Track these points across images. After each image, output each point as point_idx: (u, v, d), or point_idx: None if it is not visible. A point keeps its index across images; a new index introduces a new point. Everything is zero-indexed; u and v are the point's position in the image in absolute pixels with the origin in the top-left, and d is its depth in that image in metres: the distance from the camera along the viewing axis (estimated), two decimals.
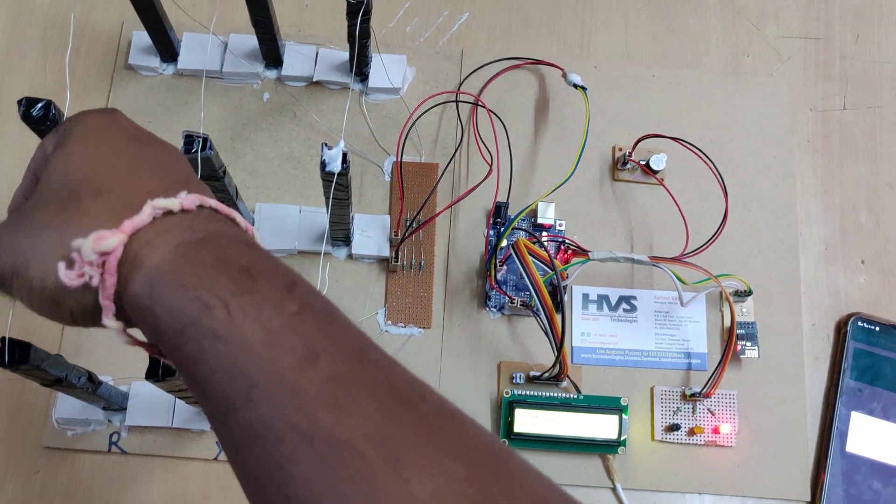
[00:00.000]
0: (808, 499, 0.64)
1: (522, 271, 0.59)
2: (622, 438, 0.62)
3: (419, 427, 0.27)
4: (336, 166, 0.49)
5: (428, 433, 0.27)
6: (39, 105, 0.45)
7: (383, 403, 0.28)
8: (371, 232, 0.66)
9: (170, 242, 0.30)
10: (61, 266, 0.30)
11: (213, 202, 0.33)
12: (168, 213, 0.31)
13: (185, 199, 0.31)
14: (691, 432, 0.64)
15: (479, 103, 0.70)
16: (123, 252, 0.30)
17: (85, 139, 0.34)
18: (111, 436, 0.62)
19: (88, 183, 0.32)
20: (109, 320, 0.31)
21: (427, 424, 0.28)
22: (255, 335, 0.28)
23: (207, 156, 0.49)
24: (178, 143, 0.49)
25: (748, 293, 0.66)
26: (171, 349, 0.30)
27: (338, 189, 0.52)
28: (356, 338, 0.30)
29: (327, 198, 0.53)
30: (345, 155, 0.49)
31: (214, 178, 0.53)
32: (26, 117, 0.45)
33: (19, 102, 0.45)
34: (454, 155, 0.69)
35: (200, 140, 0.48)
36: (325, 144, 0.49)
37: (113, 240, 0.29)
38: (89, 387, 0.53)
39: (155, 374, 0.45)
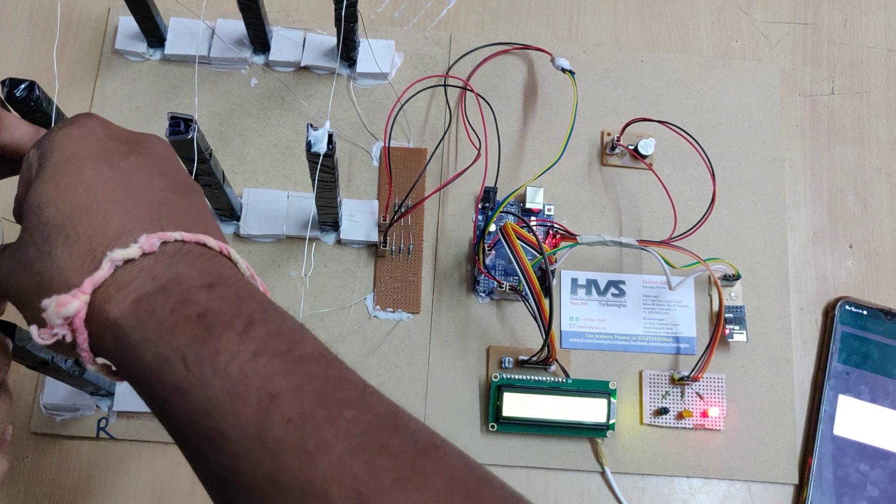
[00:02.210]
0: (796, 481, 0.64)
1: (511, 255, 0.59)
2: (611, 422, 0.62)
3: (389, 465, 0.27)
4: (322, 147, 0.49)
5: (398, 471, 0.27)
6: (23, 86, 0.45)
7: (351, 442, 0.27)
8: (359, 217, 0.66)
9: (129, 296, 0.30)
10: (33, 328, 0.31)
11: (176, 235, 0.32)
12: (129, 260, 0.31)
13: (144, 244, 0.31)
14: (680, 416, 0.64)
15: (468, 87, 0.70)
16: (88, 309, 0.30)
17: (57, 173, 0.34)
18: (99, 421, 0.62)
19: (59, 227, 0.32)
20: (91, 366, 0.32)
21: (397, 462, 0.27)
22: (215, 384, 0.28)
23: (192, 138, 0.49)
24: (165, 126, 0.49)
25: (736, 277, 0.66)
26: (144, 398, 0.31)
27: (324, 171, 0.51)
28: (318, 374, 0.29)
29: (314, 180, 0.53)
30: (330, 136, 0.49)
31: (201, 161, 0.53)
32: (10, 98, 0.45)
33: (2, 83, 0.45)
34: (442, 139, 0.69)
35: (184, 122, 0.48)
36: (311, 125, 0.49)
37: (74, 304, 0.30)
38: (76, 370, 0.53)
39: None
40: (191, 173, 0.55)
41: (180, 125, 0.49)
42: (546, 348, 0.60)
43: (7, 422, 0.41)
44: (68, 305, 0.30)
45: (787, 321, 0.67)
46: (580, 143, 0.70)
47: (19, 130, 0.40)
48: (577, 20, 0.74)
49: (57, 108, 0.48)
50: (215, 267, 0.33)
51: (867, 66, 0.75)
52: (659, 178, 0.67)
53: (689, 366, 0.64)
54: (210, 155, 0.54)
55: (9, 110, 0.44)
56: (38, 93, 0.46)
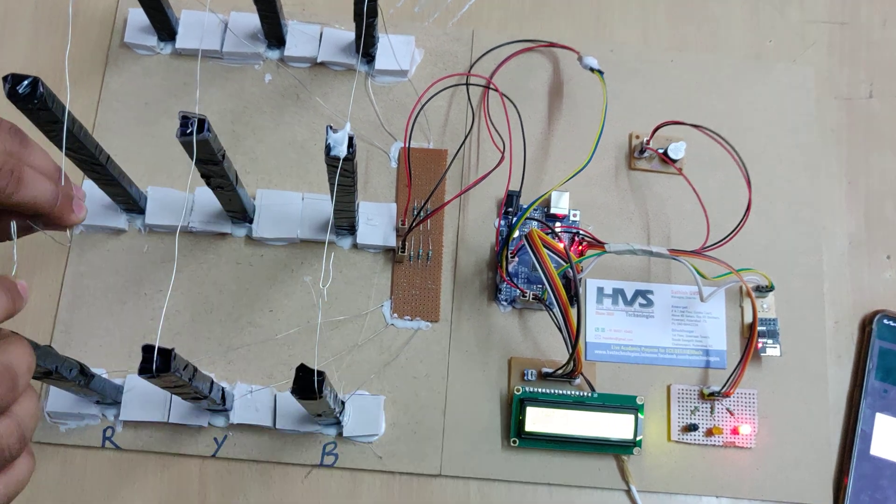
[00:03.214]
0: (831, 503, 0.61)
1: (536, 263, 0.56)
2: (637, 439, 0.60)
3: None
4: (342, 151, 0.46)
5: None
6: (26, 82, 0.42)
7: None
8: (377, 220, 0.63)
9: None
10: None
11: None
12: None
13: None
14: (709, 433, 0.61)
15: (491, 86, 0.67)
16: None
17: None
18: (105, 431, 0.59)
19: None
20: None
21: None
22: None
23: (205, 138, 0.46)
24: (176, 125, 0.46)
25: (770, 289, 0.63)
26: None
27: (343, 175, 0.49)
28: None
29: (332, 184, 0.50)
30: (351, 139, 0.46)
31: (213, 163, 0.50)
32: (12, 95, 0.42)
33: (4, 79, 0.42)
34: (464, 141, 0.66)
35: (196, 121, 0.45)
36: (330, 127, 0.46)
37: None
38: (81, 380, 0.50)
39: (148, 370, 0.42)
40: (201, 175, 0.52)
41: (189, 124, 0.46)
42: (572, 361, 0.57)
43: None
44: None
45: (822, 335, 0.64)
46: (607, 145, 0.67)
47: (39, 187, 0.41)
48: (604, 17, 0.72)
49: (65, 107, 0.45)
50: None
51: None
52: (690, 184, 0.64)
53: (719, 380, 0.62)
54: (223, 156, 0.51)
55: (31, 146, 0.43)
56: (42, 90, 0.43)
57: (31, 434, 0.40)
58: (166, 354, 0.42)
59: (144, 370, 0.42)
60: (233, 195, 0.57)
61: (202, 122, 0.46)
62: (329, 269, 0.62)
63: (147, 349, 0.42)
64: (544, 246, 0.57)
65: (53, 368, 0.47)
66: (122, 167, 0.57)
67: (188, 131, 0.46)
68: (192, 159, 0.48)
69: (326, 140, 0.46)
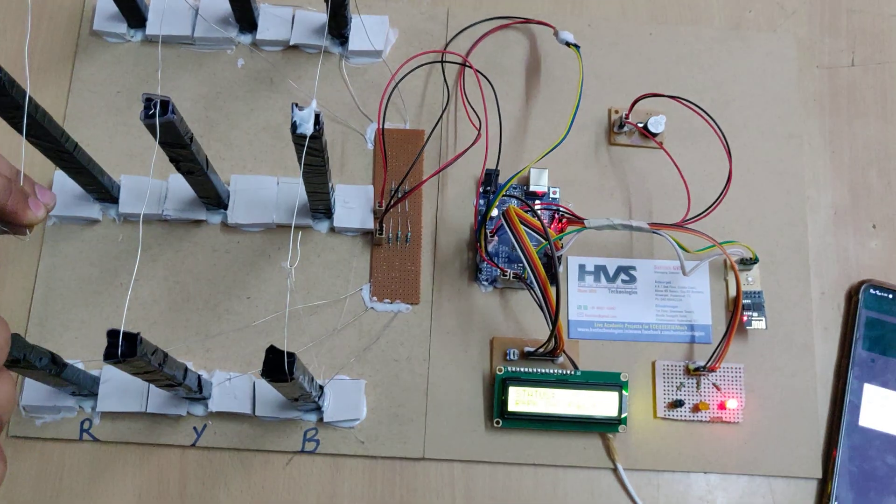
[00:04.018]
0: (820, 475, 0.60)
1: (514, 241, 0.55)
2: (623, 416, 0.59)
3: None
4: (308, 128, 0.45)
5: None
6: None
7: None
8: (354, 203, 0.62)
9: None
10: None
11: None
12: None
13: None
14: (696, 408, 0.60)
15: (467, 64, 0.66)
16: None
17: None
18: (82, 423, 0.59)
19: None
20: None
21: None
22: None
23: (169, 120, 0.45)
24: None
25: (754, 261, 0.62)
26: None
27: (311, 154, 0.48)
28: None
29: (301, 164, 0.49)
30: (317, 116, 0.45)
31: (180, 146, 0.49)
32: None
33: None
34: (440, 120, 0.65)
35: (159, 102, 0.44)
36: (296, 105, 0.45)
37: None
38: (52, 368, 0.49)
39: (114, 354, 0.41)
40: (170, 159, 0.51)
41: (156, 107, 0.45)
42: (553, 339, 0.57)
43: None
44: None
45: (808, 306, 0.63)
46: (586, 121, 0.66)
47: None
48: None
49: (25, 91, 0.44)
50: None
51: (889, 35, 0.70)
52: (671, 157, 0.63)
53: (705, 355, 0.61)
54: (191, 139, 0.50)
55: None
56: (3, 77, 0.42)
57: (8, 418, 0.39)
58: (132, 339, 0.42)
59: (110, 355, 0.41)
60: (204, 180, 0.56)
61: (165, 104, 0.45)
62: (298, 249, 0.61)
63: (112, 334, 0.41)
64: (522, 223, 0.56)
65: (22, 357, 0.46)
66: (95, 156, 0.56)
67: (151, 113, 0.45)
68: (156, 141, 0.47)
69: (292, 118, 0.45)
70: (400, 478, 0.59)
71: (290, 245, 0.60)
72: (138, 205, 0.62)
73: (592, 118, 0.66)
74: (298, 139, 0.46)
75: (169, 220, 0.62)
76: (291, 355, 0.44)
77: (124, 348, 0.41)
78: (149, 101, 0.45)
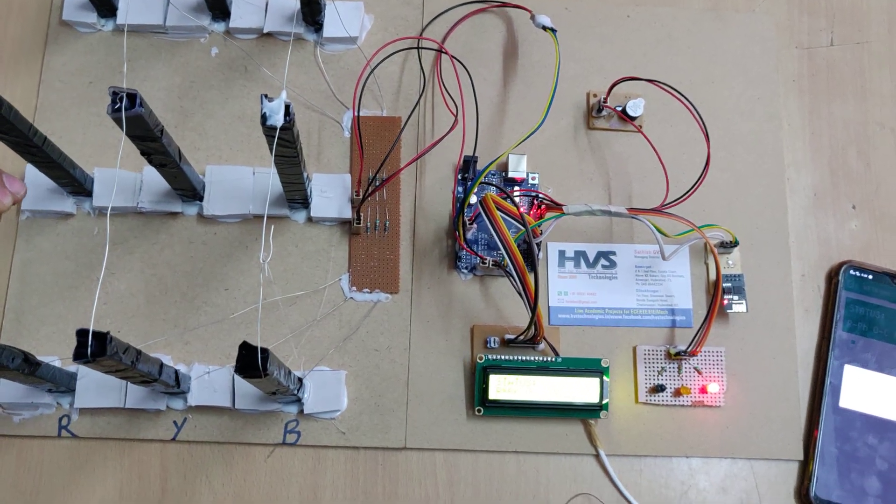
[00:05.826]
0: (801, 457, 0.60)
1: (491, 229, 0.55)
2: (604, 402, 0.59)
3: None
4: (278, 120, 0.45)
5: None
6: None
7: None
8: (331, 192, 0.62)
9: None
10: None
11: None
12: None
13: None
14: (677, 393, 0.60)
15: (443, 50, 0.65)
16: None
17: None
18: (60, 419, 0.58)
19: None
20: None
21: None
22: None
23: (137, 114, 0.45)
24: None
25: (734, 244, 0.62)
26: None
27: (283, 145, 0.47)
28: None
29: (273, 156, 0.48)
30: (287, 107, 0.45)
31: (150, 139, 0.49)
32: None
33: None
34: (416, 106, 0.64)
35: (125, 96, 0.44)
36: (265, 96, 0.45)
37: None
38: (25, 368, 0.49)
39: (84, 354, 0.41)
40: (141, 153, 0.51)
41: (122, 101, 0.44)
42: (533, 326, 0.56)
43: None
44: None
45: (789, 289, 0.63)
46: (564, 106, 0.66)
47: None
48: None
49: None
50: None
51: (868, 15, 0.70)
52: (649, 141, 0.63)
53: (686, 339, 0.61)
54: (162, 132, 0.49)
55: None
56: None
57: None
58: (102, 338, 0.41)
59: (80, 355, 0.41)
60: (178, 173, 0.55)
61: (133, 97, 0.45)
62: (271, 243, 0.60)
63: (81, 333, 0.41)
64: (499, 210, 0.55)
65: None
66: (67, 148, 0.55)
67: (117, 107, 0.44)
68: (124, 135, 0.46)
69: (262, 109, 0.45)
70: (382, 468, 0.59)
71: (262, 240, 0.59)
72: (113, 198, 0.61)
73: (571, 102, 0.66)
74: (269, 131, 0.45)
75: (144, 213, 0.62)
76: (265, 351, 0.43)
77: (94, 348, 0.41)
78: (115, 95, 0.45)
